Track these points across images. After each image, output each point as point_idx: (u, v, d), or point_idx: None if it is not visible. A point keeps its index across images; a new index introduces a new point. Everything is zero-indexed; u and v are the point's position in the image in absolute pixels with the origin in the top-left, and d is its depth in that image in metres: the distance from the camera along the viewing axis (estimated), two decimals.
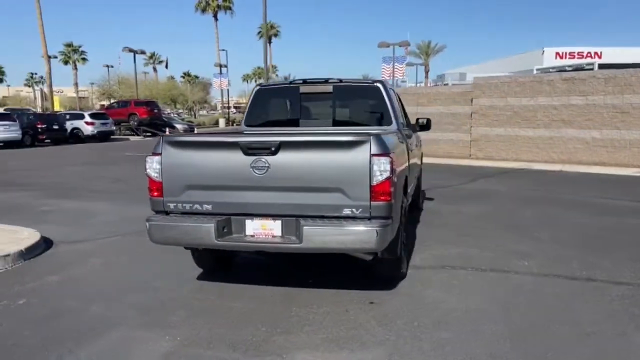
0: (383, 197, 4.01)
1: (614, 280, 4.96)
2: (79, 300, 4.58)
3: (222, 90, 53.01)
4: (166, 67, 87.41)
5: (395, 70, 39.33)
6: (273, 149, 4.06)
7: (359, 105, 6.12)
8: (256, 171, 4.11)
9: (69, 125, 30.65)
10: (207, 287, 4.89)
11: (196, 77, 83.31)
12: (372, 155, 3.97)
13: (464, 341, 3.70)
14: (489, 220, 7.71)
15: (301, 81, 5.97)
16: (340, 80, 5.91)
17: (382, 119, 5.76)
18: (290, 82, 6.05)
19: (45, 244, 6.44)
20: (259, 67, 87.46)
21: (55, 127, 28.99)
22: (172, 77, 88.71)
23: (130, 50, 41.45)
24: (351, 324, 3.99)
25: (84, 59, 70.72)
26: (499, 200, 9.51)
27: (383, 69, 40.53)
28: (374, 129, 5.66)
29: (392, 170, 4.03)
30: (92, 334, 3.87)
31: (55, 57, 65.91)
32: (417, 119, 7.72)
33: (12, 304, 4.54)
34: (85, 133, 30.30)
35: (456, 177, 12.89)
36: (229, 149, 4.18)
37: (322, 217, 4.11)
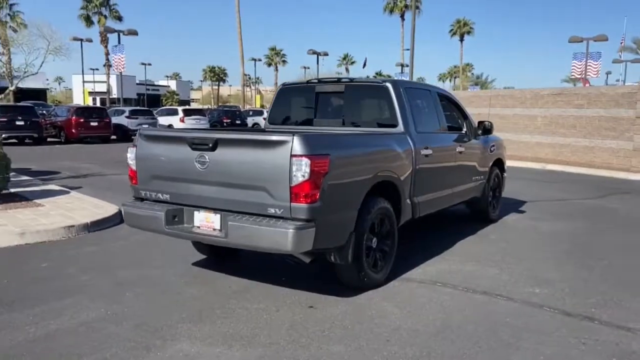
0: (304, 199, 3.92)
1: (623, 328, 4.11)
2: (76, 267, 5.28)
3: None
4: (363, 66, 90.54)
5: (589, 67, 35.59)
6: (211, 145, 4.23)
7: (367, 105, 5.92)
8: (199, 165, 4.32)
9: (250, 120, 33.76)
10: (190, 271, 5.24)
11: (388, 76, 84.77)
12: (292, 155, 3.91)
13: (349, 357, 3.48)
14: (557, 242, 6.78)
15: (317, 80, 5.98)
16: (352, 80, 5.79)
17: (389, 120, 5.51)
18: (308, 82, 6.08)
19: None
20: (455, 66, 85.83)
21: (238, 121, 32.20)
22: (367, 77, 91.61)
23: (314, 52, 43.95)
24: (263, 323, 4.00)
25: (284, 61, 76.97)
26: (600, 221, 8.22)
27: (573, 66, 36.91)
28: (378, 131, 5.46)
29: (316, 173, 3.91)
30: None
31: (260, 60, 72.87)
32: (480, 122, 7.11)
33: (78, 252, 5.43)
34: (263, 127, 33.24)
35: (587, 190, 11.38)
36: (180, 143, 4.46)
37: (252, 214, 4.16)
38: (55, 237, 6.46)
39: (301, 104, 6.26)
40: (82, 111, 24.24)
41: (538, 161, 16.82)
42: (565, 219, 8.15)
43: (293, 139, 3.92)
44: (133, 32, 33.64)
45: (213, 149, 4.24)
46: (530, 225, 7.72)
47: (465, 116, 6.96)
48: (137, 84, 71.54)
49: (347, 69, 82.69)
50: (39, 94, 53.98)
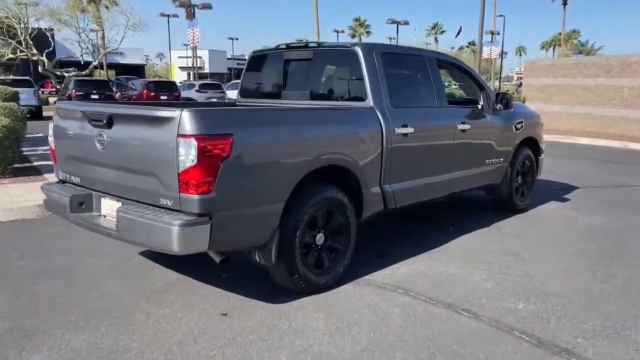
0: (194, 189, 3.22)
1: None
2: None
3: (492, 60, 50.02)
4: (456, 35, 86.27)
5: None
6: (105, 121, 3.62)
7: (336, 74, 5.03)
8: (99, 145, 3.75)
9: None
10: (128, 262, 4.72)
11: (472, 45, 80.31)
12: (178, 135, 3.21)
13: None
14: (587, 240, 5.59)
15: (284, 46, 5.17)
16: (320, 45, 4.93)
17: (357, 92, 4.61)
18: (277, 47, 5.28)
19: None
20: (559, 34, 79.57)
21: None
22: (460, 48, 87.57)
23: (394, 22, 42.26)
24: (151, 335, 3.39)
25: (368, 32, 75.14)
26: None
27: None
28: (343, 105, 4.61)
29: (209, 156, 3.20)
30: None
31: (343, 32, 71.68)
32: (499, 95, 5.98)
33: None
34: None
35: None
36: (82, 119, 3.89)
37: (150, 205, 3.53)
38: (29, 215, 6.21)
39: (271, 74, 5.48)
40: (153, 85, 24.72)
41: (621, 139, 14.81)
42: (615, 212, 6.80)
43: (181, 114, 3.21)
44: (207, 6, 33.86)
45: (109, 125, 3.63)
46: (565, 217, 6.49)
47: (480, 87, 5.85)
48: (228, 58, 73.01)
49: (436, 39, 79.54)
50: (138, 70, 56.46)
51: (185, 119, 3.19)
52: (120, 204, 3.69)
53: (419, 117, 4.89)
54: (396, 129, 4.54)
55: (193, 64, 51.51)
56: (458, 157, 5.36)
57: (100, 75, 42.70)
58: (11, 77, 24.50)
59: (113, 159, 3.68)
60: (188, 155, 3.17)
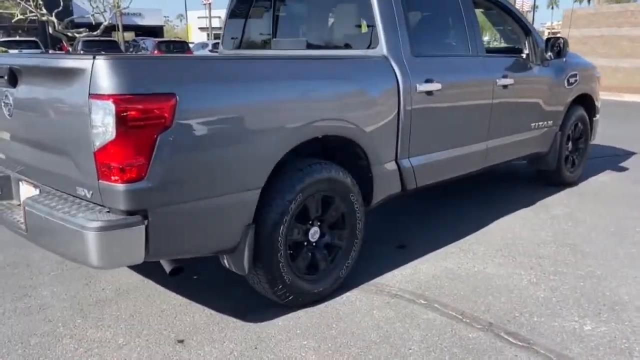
0: (117, 176, 2.20)
1: None
2: None
3: (523, 13, 47.32)
4: None
5: None
6: (6, 77, 2.58)
7: (339, 16, 3.89)
8: (6, 110, 2.73)
9: None
10: None
11: None
12: (90, 95, 2.17)
13: None
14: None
15: None
16: None
17: (365, 38, 3.49)
18: None
19: None
20: None
21: None
22: None
23: None
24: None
25: None
26: None
27: None
28: (346, 54, 3.50)
29: (136, 126, 2.16)
30: None
31: None
32: (549, 40, 4.75)
33: None
34: None
35: None
36: None
37: (70, 195, 2.53)
38: None
39: (259, 18, 4.35)
40: (164, 45, 23.68)
41: None
42: None
43: (93, 65, 2.15)
44: None
45: (12, 83, 2.59)
46: (625, 192, 5.33)
47: (526, 31, 4.64)
48: None
49: None
50: (156, 31, 55.30)
51: (99, 71, 2.14)
52: (36, 193, 2.70)
53: (448, 69, 3.75)
54: (418, 86, 3.41)
55: (209, 24, 50.11)
56: (497, 120, 4.20)
57: (117, 37, 41.71)
58: (17, 38, 23.66)
59: (22, 129, 2.69)
60: (104, 125, 2.14)
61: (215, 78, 2.46)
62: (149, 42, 26.17)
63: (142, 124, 2.17)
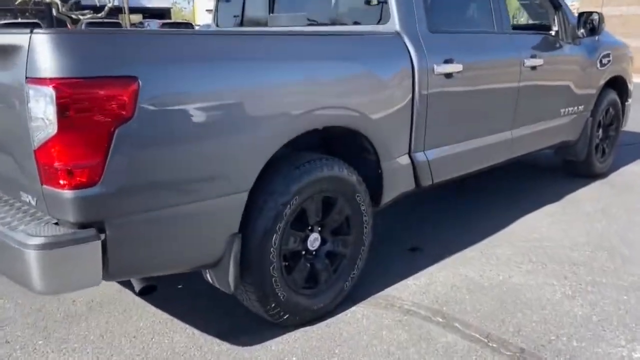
0: (63, 179, 1.75)
1: None
2: None
3: None
4: None
5: None
6: None
7: None
8: None
9: None
10: None
11: None
12: (27, 80, 1.72)
13: None
14: None
15: None
16: None
17: (375, 11, 3.01)
18: None
19: None
20: None
21: None
22: None
23: None
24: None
25: None
26: None
27: None
28: (352, 30, 3.03)
29: (83, 117, 1.72)
30: None
31: None
32: (582, 16, 4.22)
33: None
34: None
35: None
36: None
37: (15, 201, 2.10)
38: None
39: None
40: (168, 27, 23.16)
41: None
42: None
43: (30, 41, 1.70)
44: None
45: None
46: None
47: (555, 4, 4.12)
48: None
49: None
50: (164, 13, 54.64)
51: (37, 49, 1.69)
52: None
53: (471, 47, 3.26)
54: (436, 67, 2.94)
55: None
56: (524, 106, 3.72)
57: (123, 19, 41.16)
58: (19, 20, 23.22)
59: None
60: (45, 116, 1.69)
61: (189, 57, 2.00)
62: (153, 24, 25.66)
63: (94, 115, 1.73)
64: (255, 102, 2.14)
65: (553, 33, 4.11)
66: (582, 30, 4.17)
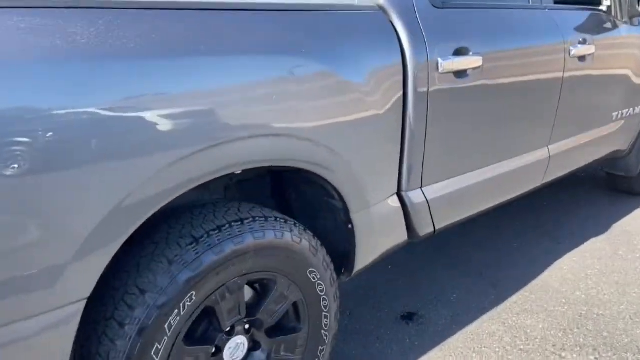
0: None
1: None
2: None
3: None
4: None
5: None
6: None
7: None
8: None
9: None
10: None
11: None
12: None
13: None
14: None
15: None
16: None
17: None
18: None
19: None
20: None
21: None
22: None
23: None
24: None
25: None
26: None
27: None
28: (314, 2, 1.95)
29: None
30: None
31: None
32: None
33: None
34: None
35: None
36: None
37: None
38: None
39: None
40: None
41: None
42: None
43: None
44: None
45: None
46: None
47: None
48: None
49: None
50: None
51: None
52: None
53: (494, 30, 2.18)
54: (442, 61, 1.89)
55: None
56: (567, 112, 2.66)
57: None
58: None
59: None
60: None
61: None
62: None
63: None
64: (85, 135, 1.11)
65: (604, 9, 3.01)
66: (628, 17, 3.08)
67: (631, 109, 3.23)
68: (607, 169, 3.71)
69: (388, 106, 1.76)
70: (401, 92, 1.80)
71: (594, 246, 3.10)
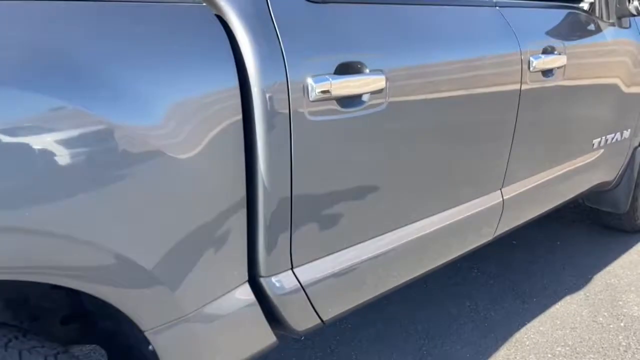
0: None
1: None
2: None
3: None
4: None
5: None
6: None
7: None
8: None
9: None
10: None
11: None
12: None
13: None
14: None
15: None
16: None
17: None
18: None
19: None
20: None
21: None
22: None
23: None
24: None
25: None
26: None
27: None
28: None
29: None
30: None
31: None
32: None
33: None
34: None
35: None
36: None
37: None
38: None
39: None
40: None
41: None
42: None
43: None
44: None
45: None
46: None
47: None
48: None
49: None
50: None
51: None
52: None
53: (405, 35, 1.51)
54: (313, 84, 1.21)
55: None
56: (526, 143, 1.98)
57: None
58: None
59: None
60: None
61: None
62: None
63: None
64: None
65: (585, 7, 2.35)
66: (635, 3, 2.41)
67: (618, 134, 2.56)
68: (590, 203, 3.04)
69: (207, 154, 1.10)
70: (238, 135, 1.14)
71: (568, 309, 2.44)
